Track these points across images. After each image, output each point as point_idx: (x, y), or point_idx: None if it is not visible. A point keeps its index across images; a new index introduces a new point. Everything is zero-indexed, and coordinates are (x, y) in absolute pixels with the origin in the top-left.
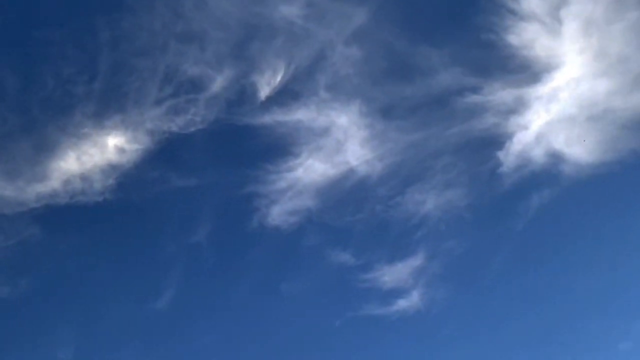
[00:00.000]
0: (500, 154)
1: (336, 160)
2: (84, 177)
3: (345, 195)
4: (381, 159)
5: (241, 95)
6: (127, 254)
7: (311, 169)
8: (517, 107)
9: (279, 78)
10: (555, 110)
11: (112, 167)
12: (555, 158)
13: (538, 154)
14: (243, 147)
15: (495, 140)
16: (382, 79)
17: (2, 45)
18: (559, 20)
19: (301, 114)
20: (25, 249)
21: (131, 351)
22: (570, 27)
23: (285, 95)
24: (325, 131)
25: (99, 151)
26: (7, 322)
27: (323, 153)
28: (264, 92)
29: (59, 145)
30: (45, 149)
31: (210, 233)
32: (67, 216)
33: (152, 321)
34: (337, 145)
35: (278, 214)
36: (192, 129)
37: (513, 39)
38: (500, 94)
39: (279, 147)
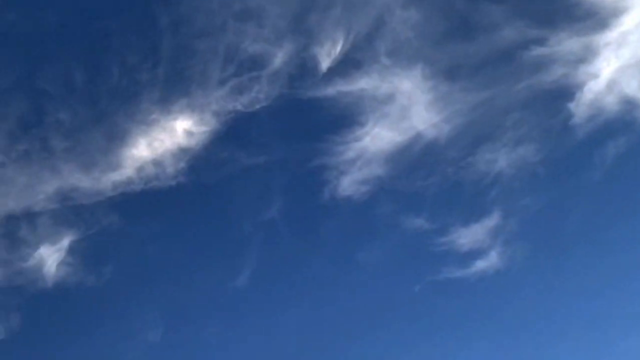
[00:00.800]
0: (571, 105)
1: (403, 126)
2: (156, 163)
3: (415, 161)
4: (448, 121)
5: (302, 69)
6: (203, 234)
7: (378, 137)
8: (586, 56)
9: (338, 48)
10: (626, 56)
11: (182, 151)
12: (629, 104)
13: (611, 102)
14: (308, 120)
15: (565, 92)
16: (443, 39)
17: (68, 40)
18: None
19: (364, 83)
20: (106, 237)
21: (216, 329)
22: None
23: (347, 65)
24: (389, 98)
25: (168, 136)
26: (96, 310)
27: (389, 120)
28: (325, 63)
29: (129, 134)
30: (117, 138)
31: (283, 208)
32: (143, 202)
33: (233, 299)
34: (403, 111)
35: (349, 185)
36: (257, 107)
37: None
38: (567, 43)
39: (344, 118)
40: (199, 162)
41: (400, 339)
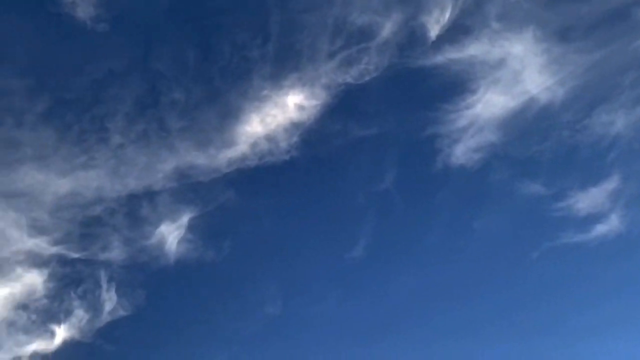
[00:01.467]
0: None
1: (515, 91)
2: (270, 138)
3: (529, 125)
4: (563, 84)
5: (411, 38)
6: (318, 207)
7: (490, 103)
8: None
9: (447, 15)
10: None
11: (294, 125)
12: None
13: None
14: (419, 89)
15: None
16: (554, 0)
17: (179, 22)
18: None
19: (474, 49)
20: (224, 213)
21: (334, 300)
22: None
23: (456, 32)
24: (500, 63)
25: (280, 111)
26: (217, 284)
27: (501, 85)
28: (433, 31)
29: (242, 111)
30: (230, 115)
31: (397, 179)
32: (258, 177)
33: (350, 270)
34: (515, 75)
35: (462, 153)
36: (367, 78)
37: None
38: None
39: (455, 85)
40: (311, 136)
41: (519, 306)
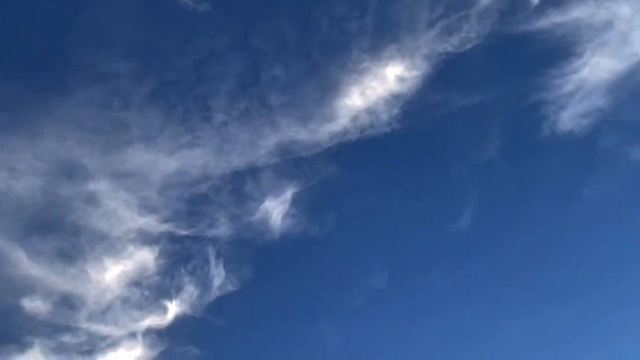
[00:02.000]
0: None
1: (624, 54)
2: (370, 111)
3: (639, 88)
4: None
5: (513, 4)
6: (421, 179)
7: (597, 67)
8: None
9: None
10: None
11: (395, 97)
12: None
13: None
14: (522, 55)
15: None
16: None
17: None
18: None
19: (578, 12)
20: (327, 188)
21: (439, 272)
22: None
23: None
24: (607, 25)
25: (380, 83)
26: (322, 258)
27: (608, 48)
28: None
29: (342, 84)
30: (330, 89)
31: (501, 148)
32: (360, 151)
33: (455, 241)
34: (622, 37)
35: (569, 118)
36: (468, 46)
37: None
38: None
39: (559, 50)
40: (413, 107)
41: (633, 272)
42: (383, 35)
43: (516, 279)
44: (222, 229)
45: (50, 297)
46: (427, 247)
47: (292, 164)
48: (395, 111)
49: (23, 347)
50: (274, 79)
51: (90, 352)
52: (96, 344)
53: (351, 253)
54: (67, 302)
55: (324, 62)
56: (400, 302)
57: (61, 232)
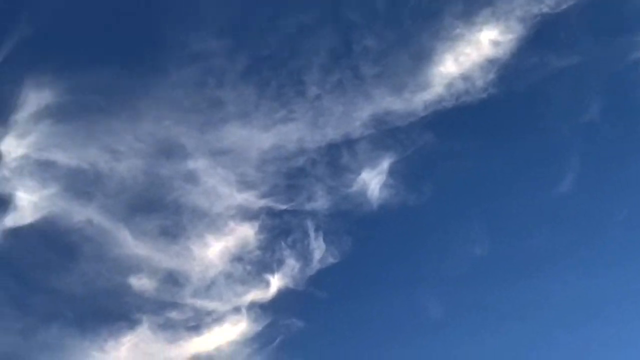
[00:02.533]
0: None
1: None
2: (465, 77)
3: None
4: None
5: None
6: (520, 143)
7: None
8: None
9: None
10: None
11: (489, 62)
12: None
13: None
14: (620, 13)
15: None
16: None
17: None
18: None
19: None
20: (423, 157)
21: (542, 237)
22: None
23: None
24: None
25: (474, 49)
26: (421, 228)
27: None
28: None
29: (435, 51)
30: (424, 57)
31: (602, 108)
32: (456, 118)
33: (558, 205)
34: None
35: None
36: (564, 6)
37: None
38: None
39: None
40: (508, 72)
41: None
42: (476, 0)
43: (621, 241)
44: (320, 202)
45: (156, 274)
46: (528, 211)
47: (387, 134)
48: (491, 76)
49: (132, 324)
50: (366, 49)
51: (196, 327)
52: (202, 319)
53: (451, 221)
54: (172, 279)
55: (416, 30)
56: (502, 268)
57: (163, 210)
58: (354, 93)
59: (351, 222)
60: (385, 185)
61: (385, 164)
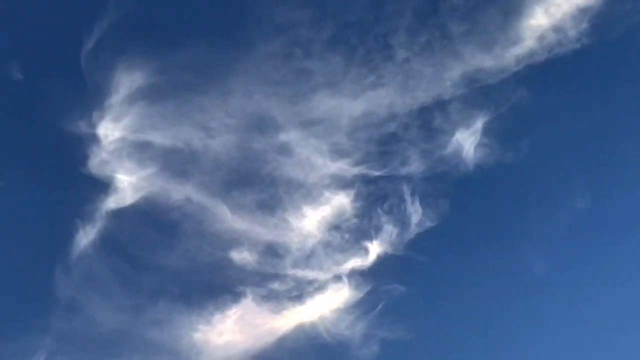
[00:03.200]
0: None
1: None
2: (557, 29)
3: None
4: None
5: None
6: (619, 93)
7: None
8: None
9: None
10: None
11: (581, 11)
12: None
13: None
14: None
15: None
16: None
17: None
18: None
19: None
20: (518, 113)
21: None
22: None
23: None
24: None
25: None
26: (519, 185)
27: None
28: None
29: (524, 4)
30: (513, 11)
31: None
32: (550, 71)
33: None
34: None
35: None
36: None
37: None
38: None
39: None
40: (601, 20)
41: None
42: None
43: None
44: (415, 166)
45: (256, 247)
46: (632, 163)
47: (480, 92)
48: (584, 25)
49: (237, 296)
50: (453, 7)
51: (299, 297)
52: (304, 288)
53: (550, 176)
54: (272, 251)
55: None
56: (606, 222)
57: (259, 184)
58: (442, 53)
59: (447, 184)
60: (480, 145)
61: (479, 123)
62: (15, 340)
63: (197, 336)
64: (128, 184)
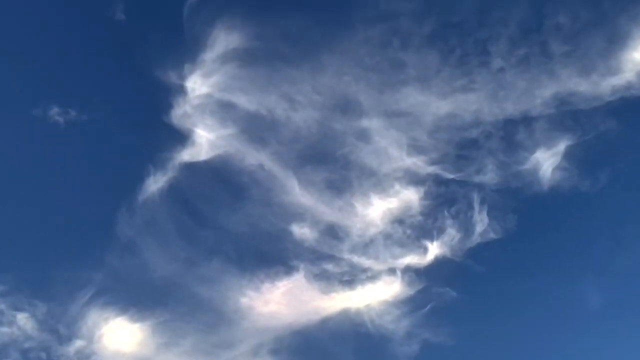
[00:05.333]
0: None
1: None
2: None
3: None
4: None
5: None
6: None
7: None
8: None
9: None
10: None
11: None
12: None
13: None
14: None
15: None
16: None
17: None
18: None
19: None
20: (603, 143)
21: None
22: None
23: None
24: None
25: None
26: (591, 215)
27: None
28: None
29: (631, 36)
30: (617, 41)
31: None
32: None
33: None
34: None
35: None
36: None
37: None
38: None
39: None
40: None
41: None
42: None
43: None
44: (489, 176)
45: (317, 225)
46: None
47: (568, 115)
48: None
49: (289, 270)
50: (558, 26)
51: (350, 282)
52: (357, 275)
53: (625, 213)
54: (333, 232)
55: (614, 12)
56: None
57: (332, 164)
58: (539, 70)
59: (518, 200)
60: (559, 168)
61: (562, 145)
62: (69, 271)
63: (244, 300)
64: (206, 140)
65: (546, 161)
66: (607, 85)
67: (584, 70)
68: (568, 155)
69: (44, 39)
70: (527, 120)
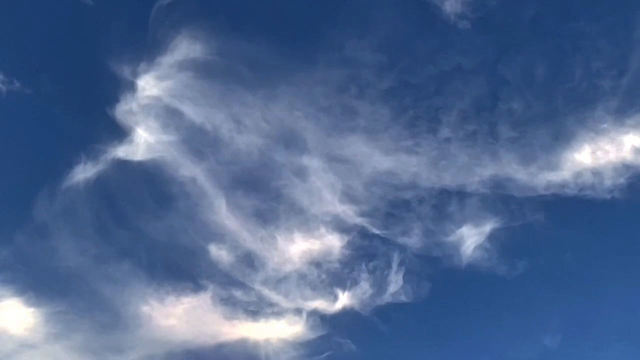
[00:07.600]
0: None
1: None
2: (596, 172)
3: None
4: None
5: None
6: (633, 254)
7: None
8: None
9: None
10: None
11: (625, 167)
12: None
13: None
14: None
15: None
16: None
17: (536, 35)
18: None
19: None
20: (527, 233)
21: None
22: None
23: None
24: None
25: (614, 148)
26: (503, 301)
27: None
28: None
29: (575, 137)
30: (562, 138)
31: None
32: (574, 207)
33: None
34: None
35: None
36: None
37: None
38: None
39: None
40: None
41: None
42: (633, 102)
43: None
44: (414, 239)
45: (236, 250)
46: (613, 320)
47: (501, 199)
48: (621, 181)
49: (198, 288)
50: (510, 111)
51: (255, 313)
52: (263, 307)
53: (533, 303)
54: (249, 260)
55: (565, 110)
56: None
57: (264, 193)
58: (483, 148)
59: (436, 269)
60: (480, 247)
61: (488, 226)
62: None
63: (145, 309)
64: (144, 142)
65: (470, 238)
66: (543, 178)
67: (525, 159)
68: (492, 237)
69: (3, 3)
70: (461, 195)
